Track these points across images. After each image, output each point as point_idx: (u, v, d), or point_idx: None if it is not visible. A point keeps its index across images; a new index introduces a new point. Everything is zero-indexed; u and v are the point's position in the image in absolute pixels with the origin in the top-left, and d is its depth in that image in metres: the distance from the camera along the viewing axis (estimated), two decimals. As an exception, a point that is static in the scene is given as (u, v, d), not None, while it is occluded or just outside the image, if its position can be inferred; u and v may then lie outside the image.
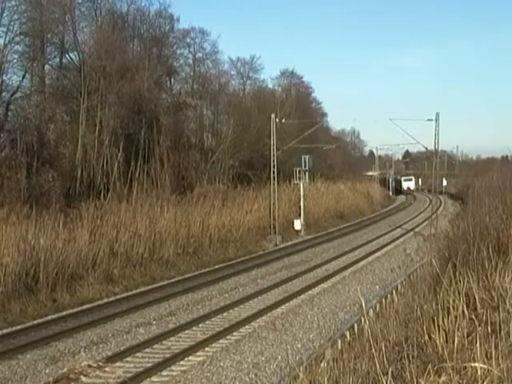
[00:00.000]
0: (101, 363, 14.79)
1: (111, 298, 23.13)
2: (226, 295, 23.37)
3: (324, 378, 8.36)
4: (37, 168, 35.48)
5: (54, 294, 22.41)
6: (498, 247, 12.48)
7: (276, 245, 39.64)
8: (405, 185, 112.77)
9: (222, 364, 14.52)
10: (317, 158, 58.26)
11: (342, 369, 8.74)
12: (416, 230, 44.76)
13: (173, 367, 14.57)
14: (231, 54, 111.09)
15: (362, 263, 30.26)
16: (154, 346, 16.44)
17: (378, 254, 33.66)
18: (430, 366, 7.20)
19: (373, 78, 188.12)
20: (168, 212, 33.86)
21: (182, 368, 14.49)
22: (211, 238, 35.03)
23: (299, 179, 46.79)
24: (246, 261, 32.82)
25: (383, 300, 16.54)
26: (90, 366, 14.40)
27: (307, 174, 47.48)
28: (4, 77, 37.11)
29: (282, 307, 20.72)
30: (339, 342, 12.40)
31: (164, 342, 16.83)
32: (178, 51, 55.34)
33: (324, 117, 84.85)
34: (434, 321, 8.49)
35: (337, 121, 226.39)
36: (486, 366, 6.73)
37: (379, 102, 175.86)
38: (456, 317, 8.41)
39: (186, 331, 17.91)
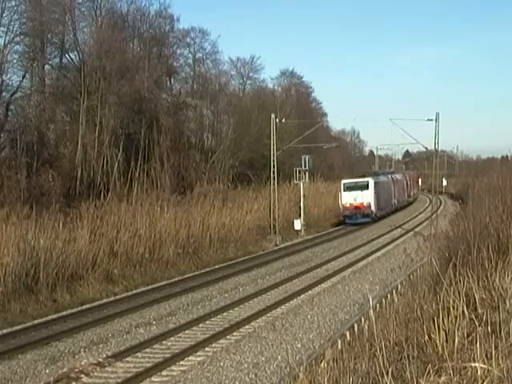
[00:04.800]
0: (101, 360, 14.83)
1: (111, 298, 23.13)
2: (226, 295, 23.37)
3: (324, 378, 8.36)
4: (37, 168, 35.50)
5: (54, 293, 22.42)
6: (498, 247, 12.49)
7: (276, 245, 39.64)
8: (347, 198, 50.56)
9: (221, 364, 14.51)
10: (317, 158, 58.28)
11: (342, 369, 8.74)
12: (416, 229, 44.73)
13: (173, 367, 14.56)
14: (231, 54, 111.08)
15: (362, 263, 30.24)
16: (154, 346, 16.44)
17: (378, 254, 33.63)
18: (430, 365, 7.21)
19: (373, 78, 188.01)
20: (168, 212, 33.86)
21: (181, 368, 14.48)
22: (211, 238, 35.03)
23: (299, 179, 46.78)
24: (246, 261, 32.82)
25: (383, 300, 16.53)
26: (90, 364, 14.44)
27: (307, 173, 47.49)
28: (4, 77, 37.16)
29: (282, 307, 20.71)
30: (339, 342, 12.39)
31: (164, 342, 16.82)
32: (178, 51, 55.47)
33: (324, 117, 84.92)
34: (434, 321, 8.49)
35: (337, 121, 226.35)
36: (486, 366, 6.73)
37: (379, 102, 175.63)
38: (456, 317, 8.41)
39: (186, 331, 17.90)
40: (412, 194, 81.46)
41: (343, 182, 51.51)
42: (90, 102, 40.04)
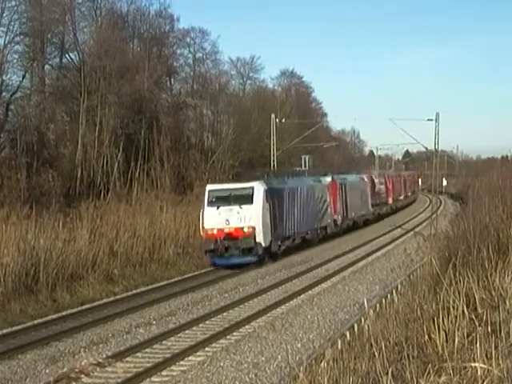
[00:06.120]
0: (101, 360, 14.84)
1: (111, 298, 23.11)
2: (226, 295, 23.35)
3: (324, 378, 8.37)
4: (37, 168, 35.60)
5: (54, 294, 22.41)
6: (498, 247, 12.51)
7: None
8: (213, 219, 28.09)
9: (221, 364, 14.50)
10: (317, 158, 58.33)
11: (342, 369, 8.75)
12: (416, 229, 44.75)
13: (173, 367, 14.55)
14: (231, 54, 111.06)
15: (361, 263, 30.23)
16: (154, 346, 16.42)
17: (378, 253, 33.63)
18: (430, 366, 7.22)
19: (373, 78, 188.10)
20: (168, 212, 33.85)
21: (181, 368, 14.47)
22: (211, 238, 34.94)
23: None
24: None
25: (383, 300, 16.54)
26: (91, 364, 14.44)
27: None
28: (4, 77, 37.28)
29: (282, 307, 20.70)
30: (339, 342, 12.39)
31: (164, 342, 16.81)
32: (178, 51, 55.63)
33: (324, 117, 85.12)
34: (434, 321, 8.51)
35: (337, 121, 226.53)
36: (486, 366, 6.74)
37: (379, 102, 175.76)
38: (456, 317, 8.43)
39: (186, 331, 17.89)
40: (391, 200, 61.37)
41: (208, 187, 29.83)
42: (90, 101, 40.11)
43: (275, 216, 30.18)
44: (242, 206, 28.16)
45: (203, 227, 28.52)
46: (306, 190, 36.31)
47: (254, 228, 28.10)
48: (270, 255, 30.14)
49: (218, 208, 28.23)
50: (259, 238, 28.31)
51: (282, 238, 31.63)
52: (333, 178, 42.16)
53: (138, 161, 41.62)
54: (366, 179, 51.64)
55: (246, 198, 28.44)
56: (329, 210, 39.85)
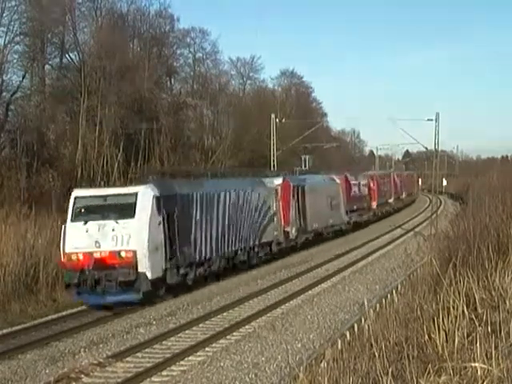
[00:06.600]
0: (101, 360, 14.85)
1: (111, 298, 23.09)
2: (226, 295, 23.35)
3: (324, 378, 8.37)
4: (37, 168, 35.63)
5: (53, 293, 22.41)
6: (498, 247, 12.53)
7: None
8: (78, 240, 19.96)
9: (221, 364, 14.51)
10: (317, 158, 58.35)
11: (342, 369, 8.75)
12: (416, 229, 44.76)
13: (173, 367, 14.56)
14: (231, 54, 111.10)
15: (361, 263, 30.25)
16: (154, 346, 16.43)
17: (378, 254, 33.66)
18: (430, 366, 7.22)
19: (373, 78, 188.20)
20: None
21: (181, 368, 14.48)
22: (211, 238, 34.86)
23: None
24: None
25: (383, 300, 16.54)
26: (91, 364, 14.45)
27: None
28: (4, 77, 37.29)
29: (282, 307, 20.71)
30: (339, 341, 12.39)
31: (164, 342, 16.82)
32: (178, 51, 55.68)
33: (324, 117, 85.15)
34: (434, 321, 8.52)
35: (337, 121, 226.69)
36: (486, 366, 6.75)
37: (379, 102, 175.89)
38: (456, 317, 8.44)
39: (186, 331, 17.90)
40: (375, 205, 53.03)
41: (75, 193, 21.56)
42: (90, 101, 40.13)
43: (175, 234, 21.83)
44: (119, 221, 20.26)
45: (64, 251, 20.31)
46: (236, 195, 27.38)
47: (135, 252, 20.02)
48: (167, 289, 21.80)
49: (85, 223, 20.41)
50: (143, 267, 19.97)
51: (188, 264, 23.00)
52: (285, 180, 33.90)
53: (138, 161, 41.66)
54: (337, 180, 42.79)
55: (126, 210, 20.47)
56: (275, 220, 31.34)
